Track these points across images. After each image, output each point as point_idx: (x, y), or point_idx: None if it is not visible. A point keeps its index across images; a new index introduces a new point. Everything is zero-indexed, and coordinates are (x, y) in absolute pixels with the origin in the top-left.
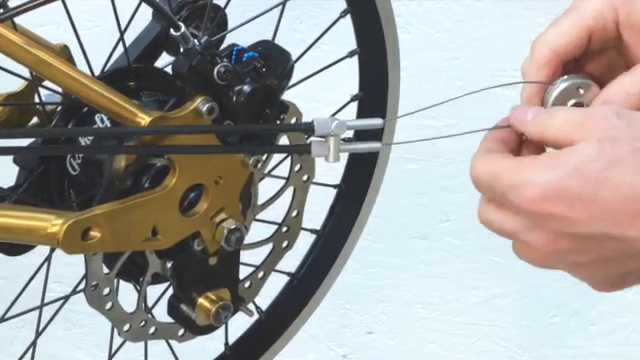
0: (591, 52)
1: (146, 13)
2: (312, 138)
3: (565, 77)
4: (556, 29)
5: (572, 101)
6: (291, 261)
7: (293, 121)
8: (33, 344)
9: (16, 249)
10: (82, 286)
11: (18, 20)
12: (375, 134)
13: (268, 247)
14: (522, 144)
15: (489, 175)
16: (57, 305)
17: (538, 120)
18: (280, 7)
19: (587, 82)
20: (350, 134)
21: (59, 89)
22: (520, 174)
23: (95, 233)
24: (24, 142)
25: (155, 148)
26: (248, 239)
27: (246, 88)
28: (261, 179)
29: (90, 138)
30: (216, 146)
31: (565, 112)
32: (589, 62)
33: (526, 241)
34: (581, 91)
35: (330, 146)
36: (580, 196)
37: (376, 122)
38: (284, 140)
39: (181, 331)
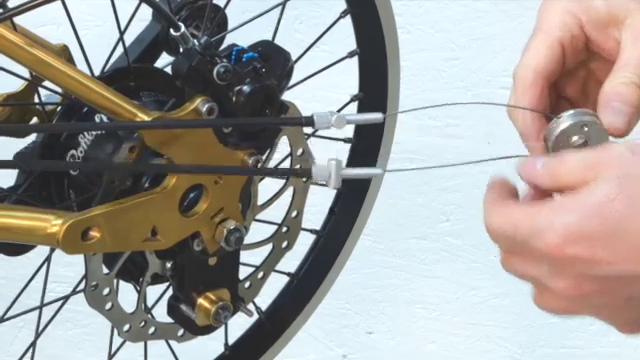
0: (566, 73)
1: (146, 13)
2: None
3: (571, 112)
4: (529, 52)
5: (575, 137)
6: (291, 261)
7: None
8: (33, 344)
9: (15, 249)
10: (82, 286)
11: (18, 20)
12: (372, 156)
13: (268, 247)
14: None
15: (508, 225)
16: (57, 305)
17: (549, 168)
18: (280, 7)
19: (593, 120)
20: (350, 130)
21: (59, 89)
22: (540, 220)
23: (95, 233)
24: (24, 141)
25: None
26: (248, 239)
27: (246, 88)
28: (261, 179)
29: (90, 138)
30: (215, 167)
31: (576, 155)
32: (566, 85)
33: (549, 288)
34: (585, 128)
35: (331, 171)
36: (603, 236)
37: (376, 116)
38: (284, 141)
39: (181, 331)
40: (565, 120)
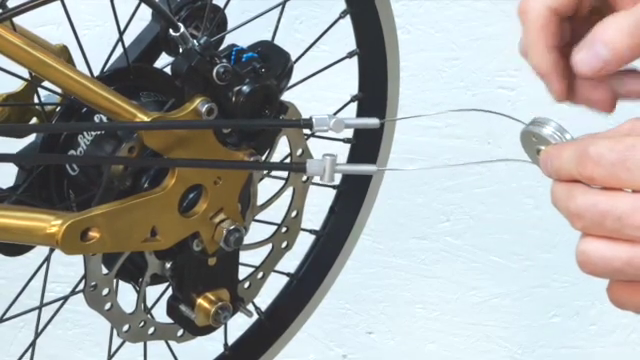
0: (579, 18)
1: (146, 13)
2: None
3: (534, 118)
4: None
5: (535, 145)
6: (291, 261)
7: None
8: (33, 344)
9: (15, 249)
10: (81, 286)
11: (18, 20)
12: (372, 157)
13: (267, 247)
14: None
15: (622, 146)
16: (57, 305)
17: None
18: (280, 7)
19: (544, 136)
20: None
21: (58, 89)
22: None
23: (94, 234)
24: (24, 142)
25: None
26: (247, 239)
27: (245, 88)
28: (260, 179)
29: (89, 139)
30: (213, 160)
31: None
32: (577, 29)
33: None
34: (536, 140)
35: (325, 166)
36: None
37: (373, 122)
38: (283, 141)
39: (180, 332)
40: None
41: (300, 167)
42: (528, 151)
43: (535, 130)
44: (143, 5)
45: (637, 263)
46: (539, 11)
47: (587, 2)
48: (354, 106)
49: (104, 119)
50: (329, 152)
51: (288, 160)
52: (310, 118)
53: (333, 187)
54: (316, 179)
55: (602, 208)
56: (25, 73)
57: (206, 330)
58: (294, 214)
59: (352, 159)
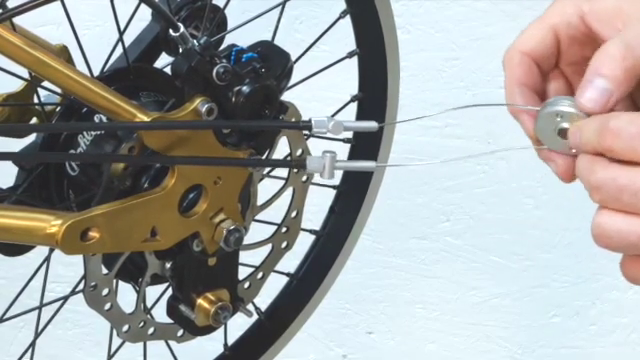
0: (567, 51)
1: (145, 13)
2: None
3: (551, 100)
4: (520, 36)
5: (559, 125)
6: (291, 261)
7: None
8: (33, 344)
9: (15, 249)
10: (81, 286)
11: (18, 20)
12: (372, 157)
13: (267, 248)
14: None
15: (625, 178)
16: (57, 305)
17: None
18: (280, 7)
19: (569, 111)
20: (349, 133)
21: (58, 89)
22: None
23: (94, 234)
24: (24, 142)
25: (150, 158)
26: (247, 240)
27: (245, 89)
28: (260, 179)
29: (89, 139)
30: (213, 158)
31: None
32: (565, 64)
33: None
34: (560, 119)
35: (325, 163)
36: None
37: (371, 125)
38: (283, 141)
39: (180, 332)
40: (546, 108)
41: (300, 163)
42: (545, 134)
43: (562, 108)
44: (143, 5)
45: None
46: (512, 53)
47: (572, 50)
48: (354, 106)
49: (104, 119)
50: (328, 150)
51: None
52: (309, 120)
53: (333, 187)
54: (316, 179)
55: (621, 182)
56: (25, 73)
57: (206, 330)
58: (294, 214)
59: (352, 159)
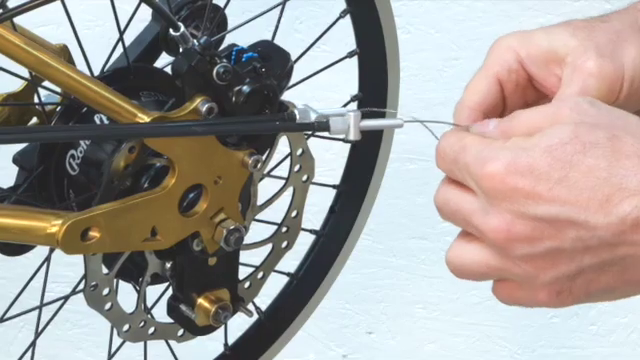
0: (511, 97)
1: (146, 13)
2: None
3: None
4: (467, 89)
5: None
6: (291, 261)
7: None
8: (33, 344)
9: (15, 249)
10: (82, 286)
11: (18, 20)
12: (372, 157)
13: (268, 247)
14: None
15: (457, 147)
16: (57, 305)
17: (502, 127)
18: (280, 7)
19: None
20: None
21: (58, 89)
22: (488, 149)
23: (94, 233)
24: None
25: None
26: (247, 239)
27: (245, 88)
28: (261, 179)
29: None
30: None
31: (531, 110)
32: (509, 111)
33: (478, 228)
34: None
35: (350, 123)
36: (548, 174)
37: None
38: (284, 140)
39: (180, 331)
40: None
41: (323, 125)
42: None
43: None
44: (143, 5)
45: (494, 265)
46: (460, 109)
47: (515, 95)
48: (354, 106)
49: (104, 119)
50: (352, 109)
51: (288, 161)
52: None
53: (333, 187)
54: (316, 178)
55: (453, 206)
56: (25, 73)
57: (206, 330)
58: (294, 214)
59: (352, 160)
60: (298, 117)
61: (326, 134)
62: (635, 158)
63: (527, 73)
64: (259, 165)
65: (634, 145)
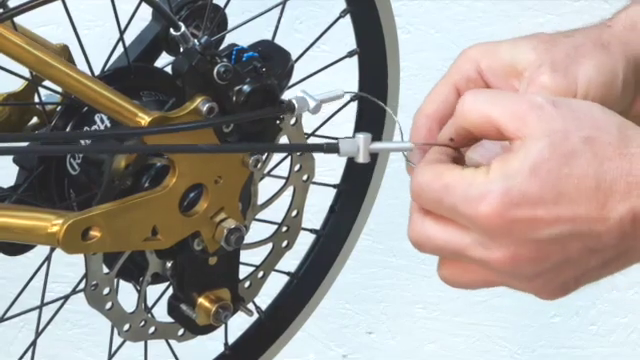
0: None
1: (146, 13)
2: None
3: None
4: (428, 97)
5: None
6: (291, 261)
7: (293, 121)
8: (33, 344)
9: (15, 249)
10: (82, 286)
11: (18, 20)
12: (371, 161)
13: (268, 247)
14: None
15: (437, 186)
16: (57, 305)
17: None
18: (280, 7)
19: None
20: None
21: (59, 89)
22: (474, 187)
23: (95, 233)
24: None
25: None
26: (248, 239)
27: (246, 88)
28: (261, 179)
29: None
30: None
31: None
32: None
33: (476, 259)
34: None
35: (360, 145)
36: (543, 196)
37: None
38: (284, 140)
39: (181, 331)
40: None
41: (333, 147)
42: None
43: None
44: (144, 5)
45: (496, 282)
46: (418, 116)
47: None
48: (354, 106)
49: (105, 118)
50: (362, 132)
51: (288, 161)
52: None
53: (333, 187)
54: (316, 178)
55: (439, 243)
56: (26, 72)
57: (207, 329)
58: (294, 213)
59: (350, 165)
60: (297, 106)
61: (326, 133)
62: (617, 160)
63: (486, 84)
64: (259, 164)
65: (611, 144)
